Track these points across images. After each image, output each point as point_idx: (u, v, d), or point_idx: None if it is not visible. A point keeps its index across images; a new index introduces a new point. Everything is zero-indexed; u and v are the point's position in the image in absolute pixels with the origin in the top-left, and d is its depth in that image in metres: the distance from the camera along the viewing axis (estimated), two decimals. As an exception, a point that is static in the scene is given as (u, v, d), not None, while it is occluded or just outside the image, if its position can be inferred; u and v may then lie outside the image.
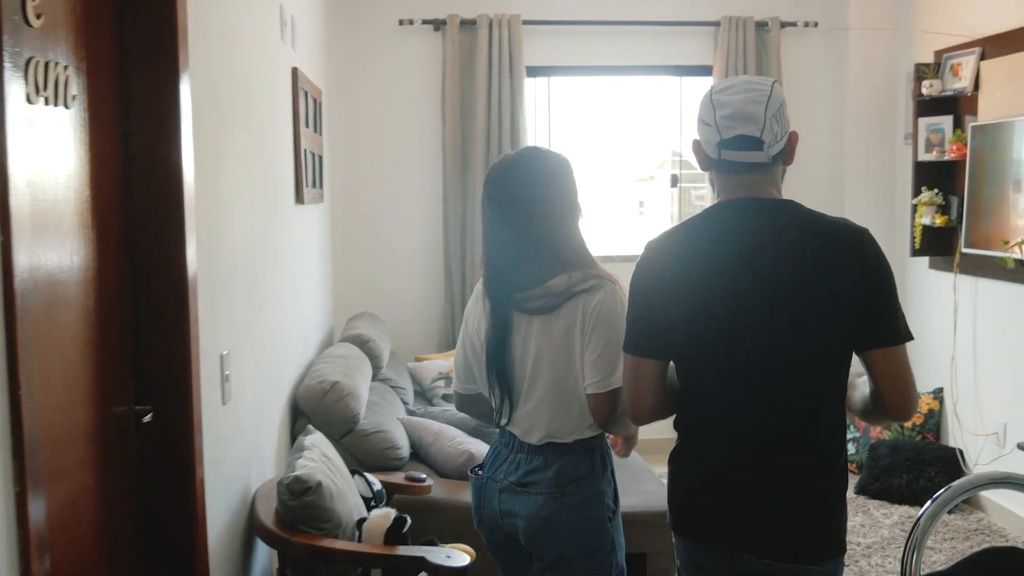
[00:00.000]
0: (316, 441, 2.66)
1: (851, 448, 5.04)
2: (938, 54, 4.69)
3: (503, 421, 2.07)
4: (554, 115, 5.47)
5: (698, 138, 1.79)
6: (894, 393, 1.68)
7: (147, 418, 1.87)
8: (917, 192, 4.70)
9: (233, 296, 2.49)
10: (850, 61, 5.20)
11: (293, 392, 3.39)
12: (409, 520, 2.45)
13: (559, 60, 5.34)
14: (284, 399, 3.26)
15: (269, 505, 2.46)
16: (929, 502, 1.52)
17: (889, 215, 5.26)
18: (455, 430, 3.54)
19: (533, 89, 5.39)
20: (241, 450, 2.55)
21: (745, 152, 1.71)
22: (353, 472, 2.80)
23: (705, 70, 5.36)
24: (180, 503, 1.98)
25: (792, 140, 1.80)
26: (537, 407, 2.01)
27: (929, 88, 4.58)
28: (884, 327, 1.68)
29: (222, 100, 2.41)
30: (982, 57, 4.36)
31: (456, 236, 5.19)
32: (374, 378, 4.05)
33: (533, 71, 5.31)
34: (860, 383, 1.77)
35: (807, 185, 5.49)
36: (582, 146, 5.73)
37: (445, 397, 4.51)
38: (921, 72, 4.67)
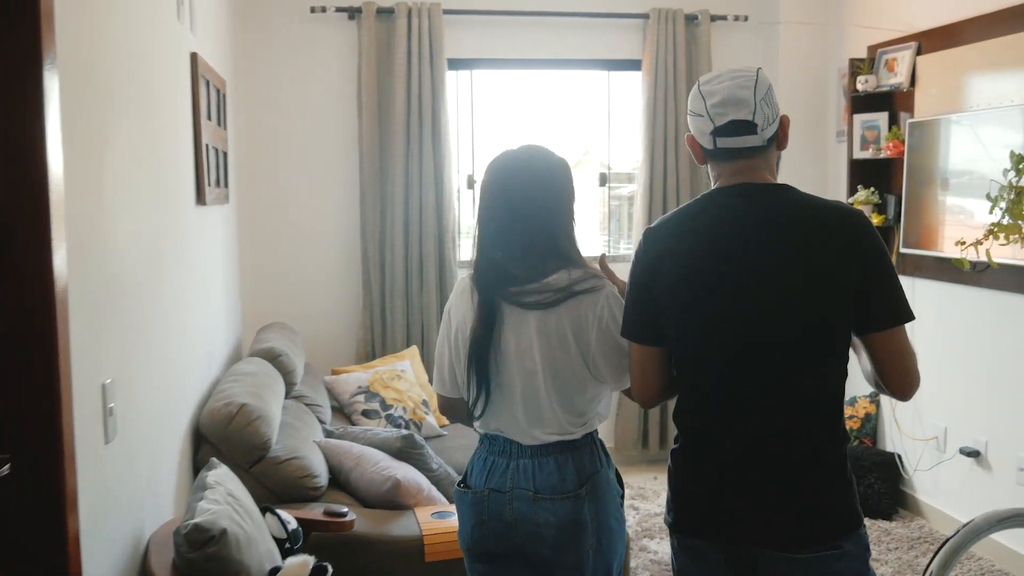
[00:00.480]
0: (221, 477, 2.31)
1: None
2: (872, 49, 4.57)
3: (479, 414, 2.02)
4: (477, 110, 5.19)
5: (691, 132, 1.79)
6: (896, 374, 1.70)
7: (3, 470, 1.51)
8: (853, 191, 4.57)
9: (120, 312, 2.12)
10: (781, 56, 5.06)
11: (196, 417, 3.02)
12: (331, 569, 2.13)
13: (482, 52, 5.06)
14: (185, 426, 2.89)
15: (165, 556, 2.11)
16: (936, 555, 1.29)
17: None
18: (378, 453, 3.22)
19: (455, 83, 5.09)
20: (131, 492, 2.18)
21: (739, 137, 1.71)
22: (264, 510, 2.46)
23: (634, 64, 5.15)
24: (48, 565, 1.63)
25: (784, 123, 1.79)
26: (542, 403, 1.97)
27: (864, 84, 4.46)
28: (882, 309, 1.68)
29: (103, 86, 2.05)
30: (918, 52, 4.25)
31: (374, 239, 4.86)
32: (287, 395, 3.70)
33: (455, 63, 5.01)
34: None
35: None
36: (505, 143, 5.44)
37: (366, 413, 4.17)
38: (855, 67, 4.54)
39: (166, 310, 2.66)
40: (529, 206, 1.98)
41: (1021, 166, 3.02)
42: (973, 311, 3.95)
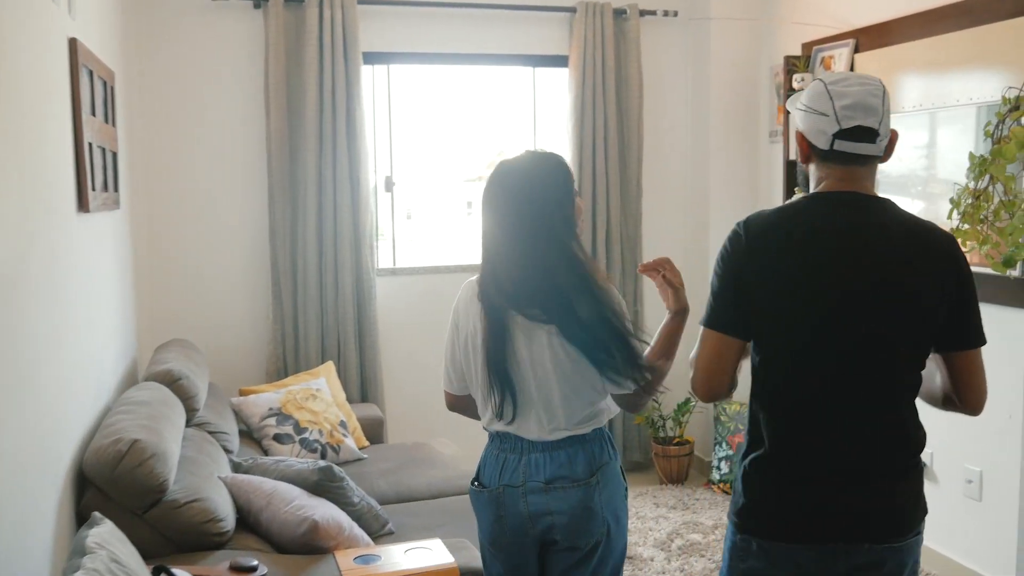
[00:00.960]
0: (104, 537, 1.94)
1: (725, 468, 4.71)
2: (806, 46, 4.42)
3: (506, 423, 2.10)
4: (395, 107, 4.86)
5: (802, 129, 1.79)
6: (972, 391, 1.82)
7: None
8: (789, 193, 4.41)
9: (-27, 345, 1.75)
10: (712, 53, 4.88)
11: (81, 456, 2.63)
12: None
13: (400, 46, 4.73)
14: (66, 468, 2.50)
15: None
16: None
17: (748, 213, 4.97)
18: (293, 490, 2.88)
19: (371, 78, 4.75)
20: (-10, 561, 1.81)
21: (861, 144, 1.74)
22: (157, 571, 2.10)
23: (561, 60, 4.90)
24: None
25: (894, 138, 1.82)
26: (555, 408, 2.07)
27: (800, 83, 4.29)
28: (969, 331, 1.78)
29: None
30: (856, 50, 4.10)
31: (285, 246, 4.49)
32: (188, 423, 3.31)
33: (371, 57, 4.67)
34: (924, 375, 1.84)
35: (667, 184, 5.14)
36: (425, 143, 5.14)
37: (278, 438, 3.81)
38: (791, 65, 4.38)
39: (38, 334, 2.27)
40: (535, 215, 2.02)
41: (979, 170, 2.86)
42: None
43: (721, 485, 4.71)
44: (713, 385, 1.85)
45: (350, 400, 4.49)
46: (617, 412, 2.18)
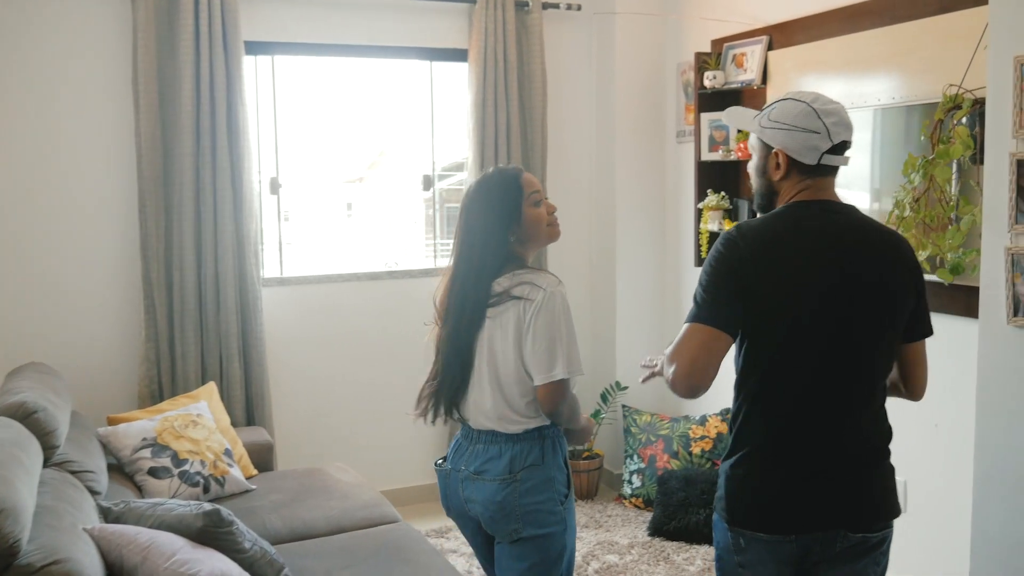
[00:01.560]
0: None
1: (636, 481, 4.52)
2: (717, 43, 4.27)
3: (453, 412, 2.35)
4: (281, 102, 4.46)
5: (783, 146, 1.87)
6: (919, 379, 2.01)
7: None
8: (701, 195, 4.25)
9: None
10: (617, 49, 4.69)
11: (-94, 514, 2.17)
12: None
13: (286, 35, 4.34)
14: None
15: None
16: None
17: (659, 220, 4.81)
18: (175, 540, 2.48)
19: (254, 70, 4.35)
20: None
21: (841, 156, 1.89)
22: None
23: (460, 55, 4.61)
24: None
25: None
26: (483, 397, 2.28)
27: (712, 80, 4.14)
28: (925, 322, 1.97)
29: None
30: (769, 47, 3.97)
31: (158, 256, 4.04)
32: (47, 464, 2.86)
33: (253, 47, 4.27)
34: None
35: (573, 186, 4.93)
36: (312, 141, 4.76)
37: (153, 472, 3.38)
38: (702, 63, 4.22)
39: None
40: (473, 220, 2.29)
41: (922, 171, 2.72)
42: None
43: (633, 500, 4.52)
44: (698, 379, 1.85)
45: (235, 424, 4.08)
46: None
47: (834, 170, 1.90)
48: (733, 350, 1.91)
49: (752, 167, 1.98)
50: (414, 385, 2.48)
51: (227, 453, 3.62)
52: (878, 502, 1.91)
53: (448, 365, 2.32)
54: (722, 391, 1.99)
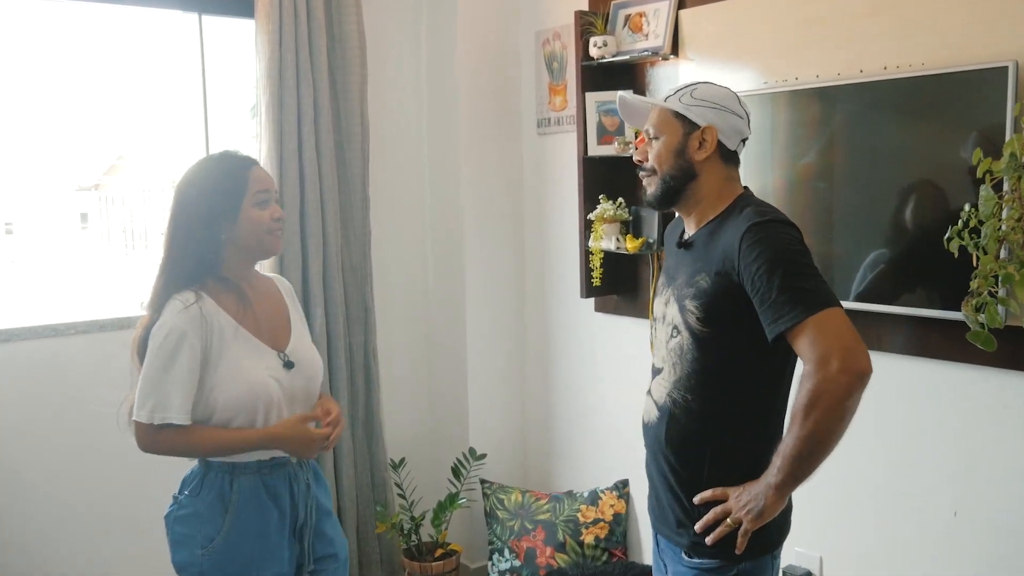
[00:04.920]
0: None
1: (509, 584, 3.38)
2: (596, 2, 3.23)
3: None
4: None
5: (711, 124, 1.77)
6: None
7: None
8: (591, 203, 3.19)
9: None
10: (459, 15, 3.52)
11: None
12: None
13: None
14: None
15: None
16: None
17: (517, 235, 3.71)
18: None
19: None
20: None
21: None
22: None
23: (243, 6, 3.26)
24: None
25: None
26: None
27: (600, 48, 3.09)
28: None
29: None
30: (680, 5, 2.98)
31: None
32: None
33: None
34: None
35: (404, 190, 3.74)
36: (26, 130, 3.26)
37: None
38: (586, 25, 3.16)
39: None
40: (179, 211, 2.04)
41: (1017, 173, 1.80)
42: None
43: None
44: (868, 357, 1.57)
45: None
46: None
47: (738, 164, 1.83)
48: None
49: (660, 148, 1.79)
50: None
51: None
52: None
53: None
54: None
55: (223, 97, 3.38)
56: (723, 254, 1.68)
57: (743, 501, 1.66)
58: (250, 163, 2.05)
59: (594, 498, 3.38)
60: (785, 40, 2.68)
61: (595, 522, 3.33)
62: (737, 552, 1.68)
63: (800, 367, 1.61)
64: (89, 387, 3.01)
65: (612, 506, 3.35)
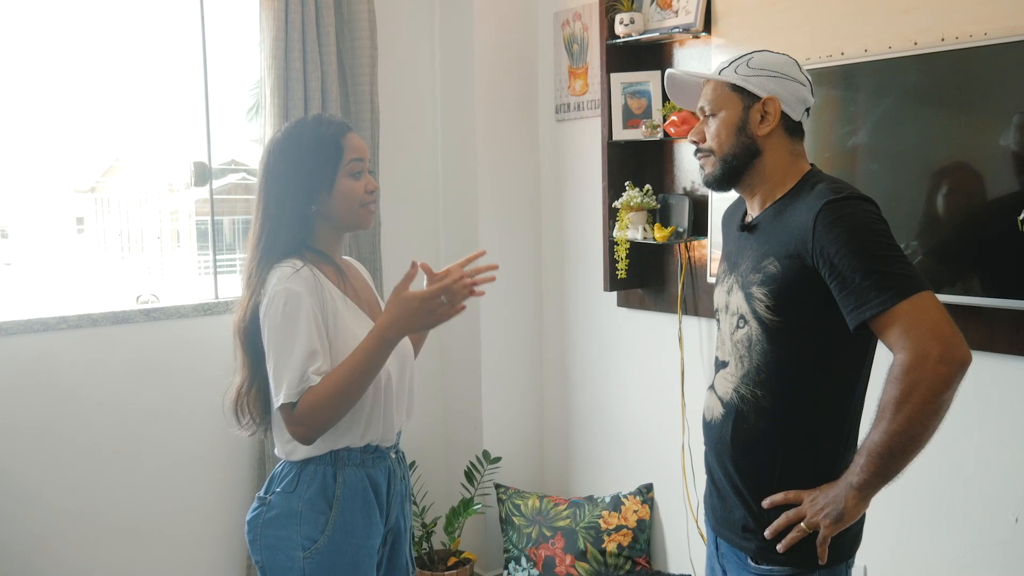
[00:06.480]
0: None
1: (527, 595, 3.20)
2: (623, -21, 3.06)
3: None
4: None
5: (773, 94, 1.63)
6: None
7: None
8: (616, 191, 3.01)
9: None
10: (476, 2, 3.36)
11: None
12: None
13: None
14: None
15: None
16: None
17: (534, 227, 3.53)
18: None
19: None
20: None
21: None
22: None
23: (249, -16, 3.09)
24: None
25: None
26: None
27: (627, 26, 2.91)
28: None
29: None
30: (716, -24, 2.81)
31: None
32: None
33: None
34: None
35: (416, 180, 3.57)
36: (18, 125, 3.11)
37: None
38: (612, 3, 2.98)
39: None
40: (271, 182, 1.86)
41: None
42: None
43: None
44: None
45: None
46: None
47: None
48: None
49: (719, 126, 1.65)
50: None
51: None
52: None
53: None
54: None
55: (223, 99, 3.21)
56: (794, 236, 1.51)
57: (819, 504, 1.49)
58: (345, 128, 1.87)
59: (616, 503, 3.20)
60: (830, 11, 2.51)
61: (618, 529, 3.15)
62: (821, 563, 1.51)
63: (878, 361, 1.45)
64: (81, 384, 2.83)
65: (636, 512, 3.17)
